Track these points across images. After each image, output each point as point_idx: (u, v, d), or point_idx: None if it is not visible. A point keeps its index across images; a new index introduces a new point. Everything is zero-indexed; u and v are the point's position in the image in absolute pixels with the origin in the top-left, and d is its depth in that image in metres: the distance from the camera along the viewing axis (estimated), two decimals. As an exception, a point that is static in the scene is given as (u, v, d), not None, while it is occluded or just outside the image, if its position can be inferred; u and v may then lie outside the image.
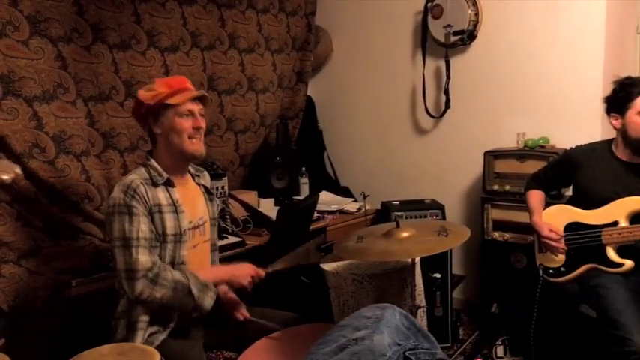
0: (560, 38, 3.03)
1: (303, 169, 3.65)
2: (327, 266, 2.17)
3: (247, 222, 2.94)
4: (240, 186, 3.53)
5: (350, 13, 3.89)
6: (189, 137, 1.91)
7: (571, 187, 2.55)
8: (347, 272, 2.05)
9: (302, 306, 2.32)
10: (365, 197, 2.95)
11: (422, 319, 2.07)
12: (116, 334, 1.90)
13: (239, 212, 3.02)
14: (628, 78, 2.33)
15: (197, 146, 1.94)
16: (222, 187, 2.92)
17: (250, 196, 3.22)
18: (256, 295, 2.08)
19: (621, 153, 2.32)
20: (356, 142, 3.98)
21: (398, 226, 1.86)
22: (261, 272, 2.02)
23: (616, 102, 2.27)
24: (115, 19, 2.63)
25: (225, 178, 2.96)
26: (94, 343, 1.58)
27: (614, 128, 2.31)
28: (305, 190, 3.61)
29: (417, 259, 2.08)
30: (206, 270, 2.00)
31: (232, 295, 2.10)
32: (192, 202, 2.02)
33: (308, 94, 3.98)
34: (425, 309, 2.05)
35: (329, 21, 3.95)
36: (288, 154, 3.62)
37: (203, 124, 1.95)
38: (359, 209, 3.37)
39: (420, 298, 2.08)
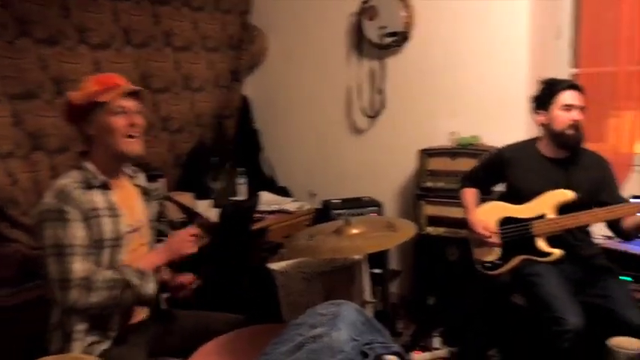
0: (489, 42, 3.17)
1: (241, 169, 3.61)
2: (275, 265, 2.16)
3: (185, 224, 2.86)
4: (175, 187, 3.44)
5: (285, 13, 3.88)
6: (125, 136, 1.82)
7: (503, 184, 2.68)
8: (296, 271, 2.05)
9: (248, 308, 2.30)
10: (312, 195, 2.97)
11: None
12: (51, 347, 1.79)
13: (176, 214, 2.94)
14: (552, 78, 2.49)
15: (134, 145, 1.85)
16: (159, 189, 2.83)
17: (186, 198, 3.14)
18: (199, 299, 2.03)
19: (546, 149, 2.46)
20: (293, 142, 3.99)
21: (348, 223, 1.89)
22: (196, 230, 1.94)
23: (541, 99, 2.42)
24: (41, 13, 2.50)
25: (164, 179, 2.88)
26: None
27: (541, 124, 2.45)
28: (243, 191, 3.57)
29: (365, 256, 2.12)
30: (141, 261, 1.89)
31: (177, 279, 2.04)
32: (130, 204, 1.94)
33: (244, 93, 3.94)
34: (373, 304, 2.08)
35: (264, 20, 3.93)
36: (224, 154, 3.56)
37: (139, 121, 1.86)
38: (299, 208, 3.37)
39: (368, 294, 2.12)
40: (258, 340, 1.68)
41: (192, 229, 1.94)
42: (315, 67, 3.82)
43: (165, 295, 2.05)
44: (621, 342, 1.96)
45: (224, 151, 3.58)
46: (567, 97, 2.34)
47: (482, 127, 3.19)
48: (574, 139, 2.35)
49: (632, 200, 2.83)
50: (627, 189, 2.93)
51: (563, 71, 3.21)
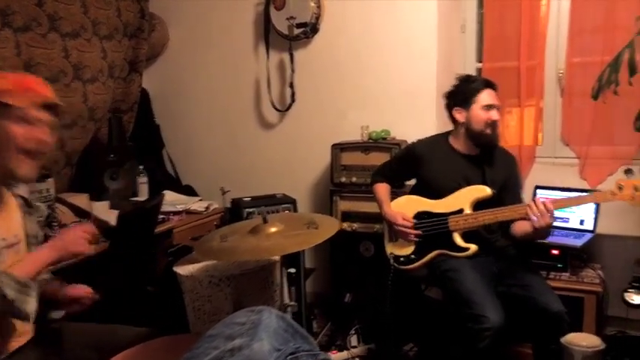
0: (398, 35, 3.16)
1: (141, 167, 3.35)
2: (181, 269, 1.97)
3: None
4: (68, 188, 3.11)
5: (187, 1, 3.65)
6: (22, 152, 1.51)
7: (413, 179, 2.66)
8: (203, 275, 1.88)
9: (154, 318, 2.08)
10: (224, 193, 2.78)
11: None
12: None
13: (69, 218, 2.65)
14: (468, 75, 2.50)
15: (27, 168, 1.53)
16: (48, 190, 2.53)
17: (81, 199, 2.85)
18: (99, 312, 1.80)
19: (460, 145, 2.47)
20: (199, 137, 3.77)
21: (265, 221, 1.75)
22: (93, 228, 1.68)
23: (460, 96, 2.41)
24: None
25: (51, 179, 2.57)
26: None
27: (458, 122, 2.45)
28: (144, 191, 3.31)
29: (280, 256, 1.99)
30: (23, 262, 1.58)
31: (71, 291, 1.75)
32: (7, 215, 1.64)
33: (143, 85, 3.65)
34: (292, 307, 1.95)
35: (165, 8, 3.67)
36: (122, 151, 3.28)
37: (49, 140, 1.56)
38: (207, 208, 3.17)
39: (287, 297, 1.99)
40: (168, 354, 1.49)
41: (88, 226, 1.68)
42: (221, 58, 3.63)
43: (57, 313, 1.78)
44: (575, 338, 1.99)
45: (122, 147, 3.30)
46: (487, 96, 2.36)
47: (393, 120, 3.17)
48: (491, 138, 2.39)
49: (537, 191, 2.97)
50: (530, 180, 3.04)
51: (469, 66, 3.27)
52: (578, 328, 2.55)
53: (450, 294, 2.30)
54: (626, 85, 2.45)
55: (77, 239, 1.63)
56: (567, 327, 2.16)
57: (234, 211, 2.96)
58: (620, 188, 2.01)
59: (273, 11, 3.32)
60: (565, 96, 3.04)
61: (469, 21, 3.26)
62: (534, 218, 2.12)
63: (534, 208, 2.13)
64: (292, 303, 1.92)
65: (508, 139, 3.15)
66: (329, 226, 1.77)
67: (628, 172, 2.71)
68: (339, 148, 3.10)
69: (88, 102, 3.13)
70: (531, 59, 3.06)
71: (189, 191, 3.58)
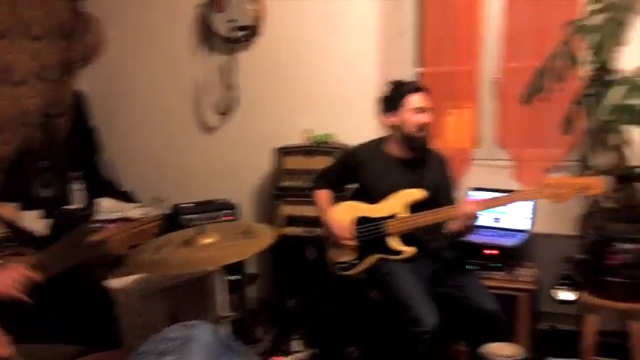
0: (338, 40, 3.17)
1: (76, 173, 3.22)
2: (114, 283, 1.91)
3: (8, 240, 2.47)
4: (-4, 197, 2.96)
5: (125, 2, 3.55)
6: None
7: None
8: (136, 287, 1.82)
9: (84, 335, 2.00)
10: (160, 202, 2.71)
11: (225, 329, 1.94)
12: None
13: (-4, 229, 2.52)
14: (399, 80, 2.53)
15: None
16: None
17: (8, 209, 2.72)
18: (22, 329, 1.71)
19: (395, 149, 2.50)
20: (137, 141, 3.67)
21: (200, 232, 1.71)
22: (33, 274, 1.61)
23: (391, 101, 2.44)
24: None
25: (-24, 188, 2.43)
26: None
27: (390, 126, 2.48)
28: (79, 198, 3.19)
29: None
30: None
31: None
32: None
33: (78, 88, 3.52)
34: (230, 318, 1.92)
35: (101, 9, 3.55)
36: (55, 156, 3.15)
37: None
38: (145, 215, 3.09)
39: (225, 307, 1.96)
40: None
41: (27, 271, 1.59)
42: (160, 61, 3.55)
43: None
44: (494, 348, 2.03)
45: (55, 153, 3.17)
46: (416, 100, 2.39)
47: (335, 124, 3.19)
48: (422, 141, 2.42)
49: (470, 193, 3.05)
50: (466, 182, 3.12)
51: (408, 70, 3.32)
52: (513, 325, 2.66)
53: (389, 297, 2.33)
54: (557, 88, 2.56)
55: (10, 283, 1.56)
56: (502, 325, 2.24)
57: (174, 218, 2.90)
58: (544, 187, 2.08)
59: (213, 14, 3.27)
60: (500, 100, 3.13)
61: (407, 26, 3.31)
62: (461, 217, 2.21)
63: (461, 208, 2.20)
64: (229, 314, 1.89)
65: (446, 142, 3.23)
66: (265, 236, 1.75)
67: (556, 172, 2.82)
68: (282, 152, 3.09)
69: (19, 106, 3.00)
70: (468, 64, 3.14)
71: (127, 197, 3.47)
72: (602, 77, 2.51)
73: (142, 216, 3.09)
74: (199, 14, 3.37)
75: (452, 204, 2.40)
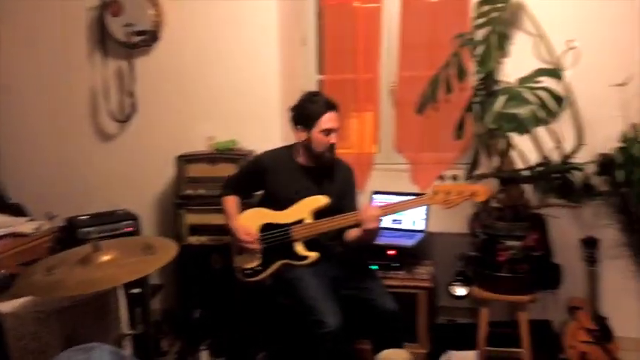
0: (240, 46, 3.17)
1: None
2: (3, 306, 1.78)
3: None
4: None
5: (13, 2, 3.32)
6: None
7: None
8: (27, 311, 1.71)
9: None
10: (51, 218, 2.55)
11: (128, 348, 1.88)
12: None
13: None
14: (314, 94, 2.53)
15: None
16: None
17: None
18: None
19: (301, 158, 2.55)
20: (28, 150, 3.44)
21: (97, 248, 1.64)
22: None
23: (303, 117, 2.46)
24: None
25: None
26: None
27: (299, 139, 2.51)
28: (-39, 212, 2.94)
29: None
30: None
31: None
32: None
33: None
34: (131, 336, 1.87)
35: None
36: None
37: None
38: (37, 229, 2.89)
39: (127, 324, 1.90)
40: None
41: None
42: (52, 65, 3.36)
43: None
44: (389, 355, 2.13)
45: None
46: (327, 120, 2.41)
47: (239, 131, 3.17)
48: (329, 159, 2.49)
49: (373, 196, 3.17)
50: (368, 186, 3.24)
51: (311, 77, 3.39)
52: (414, 321, 2.81)
53: (295, 302, 2.37)
54: (449, 96, 2.72)
55: None
56: (401, 324, 2.37)
57: (69, 232, 2.75)
58: (435, 193, 2.23)
59: (109, 17, 3.15)
60: (397, 107, 3.27)
61: (309, 34, 3.38)
62: (364, 223, 2.28)
63: (364, 214, 2.29)
64: (130, 332, 1.83)
65: (349, 148, 3.32)
66: (166, 251, 1.72)
67: (454, 178, 2.99)
68: (184, 160, 3.03)
69: None
70: (368, 72, 3.26)
71: (16, 211, 3.23)
72: (488, 87, 2.71)
73: (34, 231, 2.89)
74: (94, 18, 3.23)
75: (355, 211, 2.47)
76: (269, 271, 2.48)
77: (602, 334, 2.79)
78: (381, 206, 2.36)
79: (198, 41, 3.20)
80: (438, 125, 3.11)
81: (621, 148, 2.59)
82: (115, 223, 2.81)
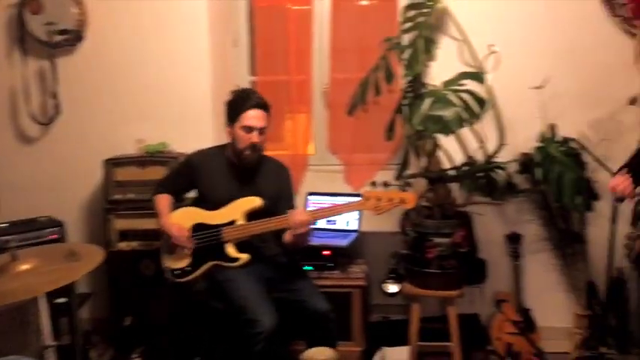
0: (170, 47, 3.11)
1: None
2: None
3: None
4: None
5: None
6: None
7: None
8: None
9: None
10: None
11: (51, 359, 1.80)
12: None
13: None
14: (244, 90, 2.52)
15: None
16: None
17: None
18: None
19: (232, 157, 2.52)
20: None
21: (14, 258, 1.57)
22: None
23: (229, 111, 2.45)
24: None
25: None
26: None
27: (228, 137, 2.49)
28: None
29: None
30: None
31: None
32: None
33: None
34: (56, 347, 1.78)
35: None
36: None
37: None
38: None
39: (48, 336, 1.81)
40: None
41: None
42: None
43: None
44: (314, 353, 2.16)
45: None
46: (248, 118, 2.37)
47: (170, 133, 3.12)
48: (250, 159, 2.44)
49: (308, 197, 3.19)
50: (303, 187, 3.26)
51: (243, 79, 3.37)
52: (348, 320, 2.85)
53: (227, 303, 2.35)
54: (381, 99, 2.78)
55: None
56: (334, 324, 2.38)
57: (-13, 241, 2.60)
58: (366, 199, 2.26)
59: (28, 15, 3.02)
60: (330, 108, 3.31)
61: (241, 35, 3.36)
62: (293, 228, 2.28)
63: (293, 219, 2.28)
64: (54, 343, 1.75)
65: (285, 149, 3.33)
66: (91, 257, 1.66)
67: (385, 184, 3.06)
68: (112, 164, 2.94)
69: None
70: (300, 74, 3.28)
71: None
72: (416, 89, 2.79)
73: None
74: (12, 16, 3.08)
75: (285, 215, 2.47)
76: (199, 272, 2.44)
77: (526, 325, 2.94)
78: (310, 211, 2.36)
79: (125, 41, 3.11)
80: (370, 127, 3.17)
81: (539, 148, 2.73)
82: (37, 231, 2.68)
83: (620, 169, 2.15)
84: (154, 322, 2.86)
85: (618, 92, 2.86)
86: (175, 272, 2.48)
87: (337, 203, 2.48)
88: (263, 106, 2.42)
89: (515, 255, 3.02)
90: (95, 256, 1.68)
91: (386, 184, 2.83)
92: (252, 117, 2.38)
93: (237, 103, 2.42)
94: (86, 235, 3.23)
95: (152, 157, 2.96)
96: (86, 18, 3.07)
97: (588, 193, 2.55)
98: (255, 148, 2.41)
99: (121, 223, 2.93)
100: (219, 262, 2.42)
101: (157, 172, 2.86)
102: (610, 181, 2.09)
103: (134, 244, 2.93)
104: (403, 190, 2.64)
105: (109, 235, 2.92)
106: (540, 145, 2.78)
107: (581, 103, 2.94)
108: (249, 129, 2.38)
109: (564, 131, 2.81)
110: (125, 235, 2.93)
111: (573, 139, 2.78)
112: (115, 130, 3.15)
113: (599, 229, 2.94)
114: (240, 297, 2.28)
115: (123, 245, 2.92)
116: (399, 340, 2.89)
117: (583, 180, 2.56)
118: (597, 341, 2.80)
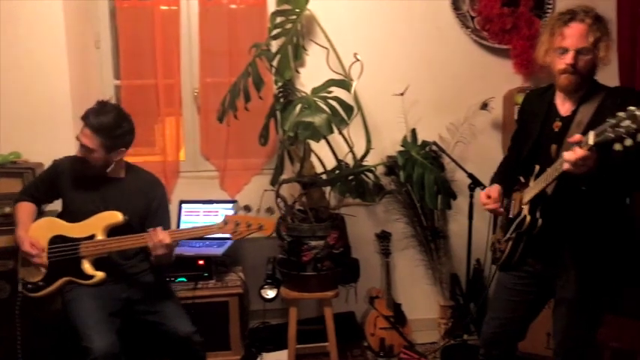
0: (24, 51, 2.86)
1: None
2: None
3: None
4: None
5: None
6: None
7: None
8: None
9: None
10: None
11: None
12: None
13: None
14: (97, 104, 2.30)
15: None
16: None
17: None
18: None
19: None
20: None
21: None
22: None
23: None
24: None
25: None
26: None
27: None
28: None
29: None
30: None
31: None
32: None
33: None
34: None
35: None
36: None
37: None
38: None
39: None
40: None
41: None
42: None
43: None
44: None
45: None
46: (83, 134, 2.23)
47: (24, 142, 2.87)
48: (91, 171, 2.29)
49: (182, 205, 3.09)
50: (176, 195, 3.15)
51: (107, 82, 3.18)
52: (226, 329, 2.82)
53: (71, 326, 2.19)
54: (253, 104, 2.76)
55: None
56: (199, 346, 2.30)
57: None
58: (225, 223, 2.19)
59: None
60: (201, 113, 3.23)
61: (103, 37, 3.16)
62: (152, 247, 2.17)
63: (151, 239, 2.18)
64: None
65: (154, 155, 3.19)
66: None
67: (247, 208, 3.05)
68: (-48, 177, 2.64)
69: None
70: (168, 77, 3.15)
71: None
72: (287, 95, 2.82)
73: None
74: None
75: (167, 229, 2.30)
76: (51, 287, 2.26)
77: (397, 319, 3.10)
78: (170, 231, 2.24)
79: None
80: (244, 132, 3.14)
81: (402, 152, 2.88)
82: None
83: (492, 181, 2.16)
84: (8, 348, 2.60)
85: (471, 99, 3.12)
86: (29, 286, 2.29)
87: (197, 226, 2.32)
88: (92, 125, 2.22)
89: (386, 252, 3.17)
90: None
91: (247, 209, 2.84)
92: (85, 135, 2.23)
93: (83, 117, 2.26)
94: None
95: (3, 169, 2.70)
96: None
97: (448, 193, 2.73)
98: (90, 165, 2.27)
99: (-29, 241, 2.64)
100: (73, 279, 2.26)
101: (10, 185, 2.63)
102: (480, 197, 2.12)
103: (-16, 265, 2.64)
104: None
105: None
106: (403, 149, 2.93)
107: (438, 108, 3.17)
108: (82, 146, 2.25)
109: (424, 135, 2.99)
110: (-26, 254, 2.64)
111: (433, 143, 2.97)
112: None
113: (459, 225, 3.21)
114: (81, 322, 2.14)
115: (-28, 266, 2.63)
116: (280, 344, 2.91)
117: (442, 180, 2.73)
118: (461, 329, 3.03)
